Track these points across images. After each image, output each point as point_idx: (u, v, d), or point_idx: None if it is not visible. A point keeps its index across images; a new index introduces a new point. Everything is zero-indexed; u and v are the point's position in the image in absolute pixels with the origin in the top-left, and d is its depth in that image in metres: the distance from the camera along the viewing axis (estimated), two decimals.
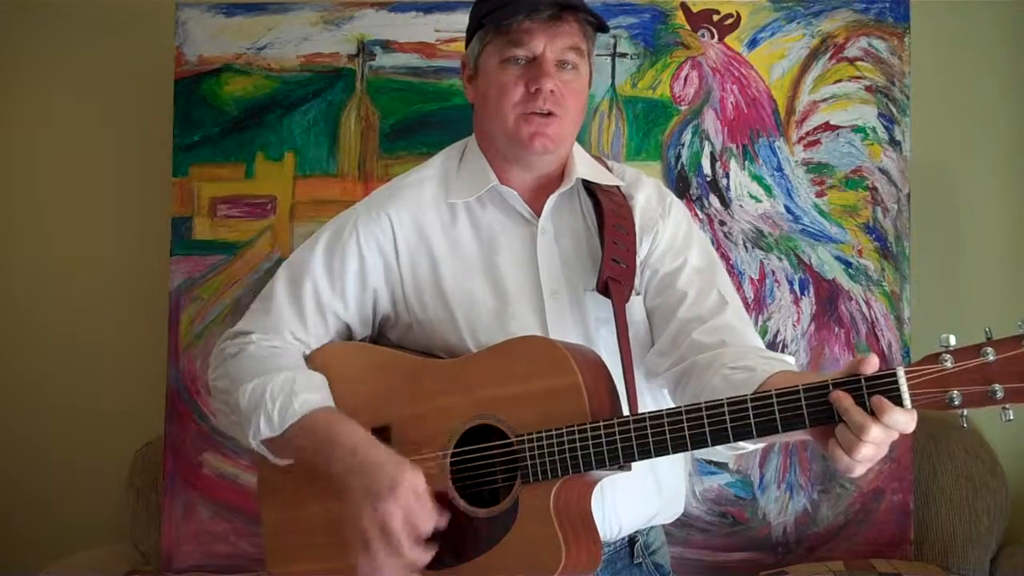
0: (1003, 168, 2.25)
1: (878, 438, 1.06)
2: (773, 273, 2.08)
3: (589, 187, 1.51)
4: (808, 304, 2.07)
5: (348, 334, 1.51)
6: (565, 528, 1.24)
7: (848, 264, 2.07)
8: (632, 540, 1.50)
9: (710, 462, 2.03)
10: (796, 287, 2.07)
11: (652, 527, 1.54)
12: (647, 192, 1.53)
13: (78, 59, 2.37)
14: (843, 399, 1.08)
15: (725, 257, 2.07)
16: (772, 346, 2.05)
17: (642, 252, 1.47)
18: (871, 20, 2.09)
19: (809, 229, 2.08)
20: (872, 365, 1.09)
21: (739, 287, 2.06)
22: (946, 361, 1.05)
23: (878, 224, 2.07)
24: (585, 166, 1.52)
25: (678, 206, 1.55)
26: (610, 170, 1.56)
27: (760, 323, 2.06)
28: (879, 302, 2.06)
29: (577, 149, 1.54)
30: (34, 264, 2.36)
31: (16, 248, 2.37)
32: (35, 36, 2.38)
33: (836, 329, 2.06)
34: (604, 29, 1.47)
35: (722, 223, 2.08)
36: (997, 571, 2.01)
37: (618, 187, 1.52)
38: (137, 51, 2.32)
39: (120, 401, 2.29)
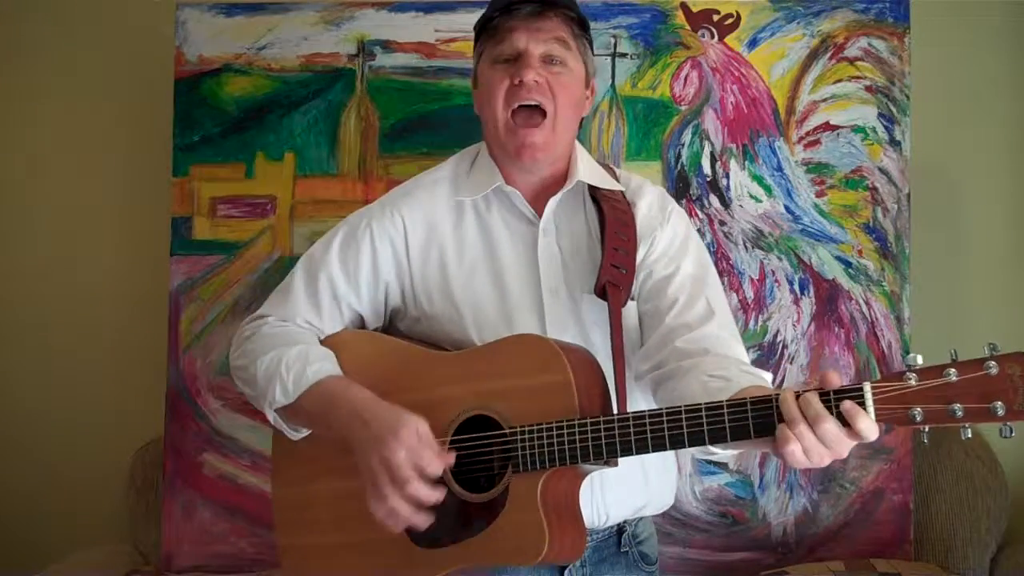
0: (1003, 168, 2.25)
1: (830, 432, 1.12)
2: (773, 273, 2.08)
3: (593, 193, 1.55)
4: (808, 304, 2.07)
5: (361, 324, 1.58)
6: (550, 516, 1.30)
7: (848, 264, 2.07)
8: (620, 529, 1.55)
9: (710, 462, 2.02)
10: (796, 287, 2.07)
11: (641, 518, 1.58)
12: (649, 200, 1.57)
13: (78, 59, 2.37)
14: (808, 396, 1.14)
15: (725, 257, 2.07)
16: (772, 346, 2.06)
17: (639, 257, 1.52)
18: (871, 20, 2.09)
19: (809, 229, 2.08)
20: (836, 380, 1.16)
21: (739, 287, 2.07)
22: (910, 379, 1.11)
23: (878, 224, 2.07)
24: (587, 169, 1.56)
25: (679, 214, 1.59)
26: (617, 178, 1.60)
27: (760, 323, 2.06)
28: (879, 302, 2.06)
29: (581, 152, 1.58)
30: (34, 264, 2.36)
31: (16, 248, 2.37)
32: (35, 36, 2.38)
33: (836, 329, 2.06)
34: (585, 26, 1.53)
35: (722, 223, 2.08)
36: (997, 571, 2.02)
37: (622, 192, 1.56)
38: (137, 51, 2.32)
39: (120, 401, 2.29)
